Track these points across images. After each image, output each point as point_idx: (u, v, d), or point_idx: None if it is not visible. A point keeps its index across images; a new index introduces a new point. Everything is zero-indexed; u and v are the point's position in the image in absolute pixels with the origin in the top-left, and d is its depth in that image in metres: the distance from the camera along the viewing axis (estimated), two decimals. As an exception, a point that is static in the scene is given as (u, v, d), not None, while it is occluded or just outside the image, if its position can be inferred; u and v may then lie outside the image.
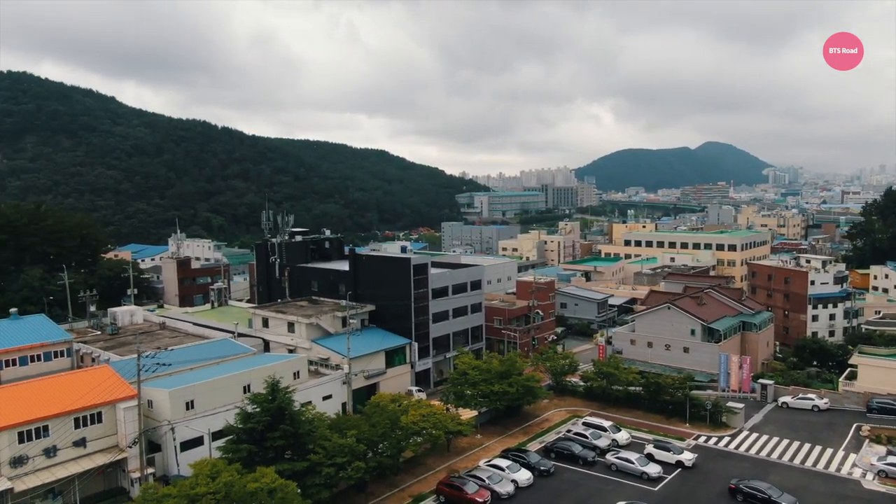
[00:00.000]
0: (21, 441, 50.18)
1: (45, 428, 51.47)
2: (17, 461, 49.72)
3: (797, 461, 61.23)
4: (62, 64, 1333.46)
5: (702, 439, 67.02)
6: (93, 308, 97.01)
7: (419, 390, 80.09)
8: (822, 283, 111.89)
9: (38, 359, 73.51)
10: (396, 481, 57.43)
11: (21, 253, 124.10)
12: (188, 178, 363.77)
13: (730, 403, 72.98)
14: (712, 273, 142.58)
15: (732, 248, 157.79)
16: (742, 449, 64.52)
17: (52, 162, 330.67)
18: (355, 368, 73.29)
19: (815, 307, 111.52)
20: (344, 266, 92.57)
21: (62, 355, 75.60)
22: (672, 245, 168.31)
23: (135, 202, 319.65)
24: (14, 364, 71.62)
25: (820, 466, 59.90)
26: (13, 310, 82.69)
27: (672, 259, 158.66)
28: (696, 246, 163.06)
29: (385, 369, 79.31)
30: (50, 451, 51.44)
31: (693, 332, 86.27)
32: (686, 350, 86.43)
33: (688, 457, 60.17)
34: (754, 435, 68.18)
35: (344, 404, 70.77)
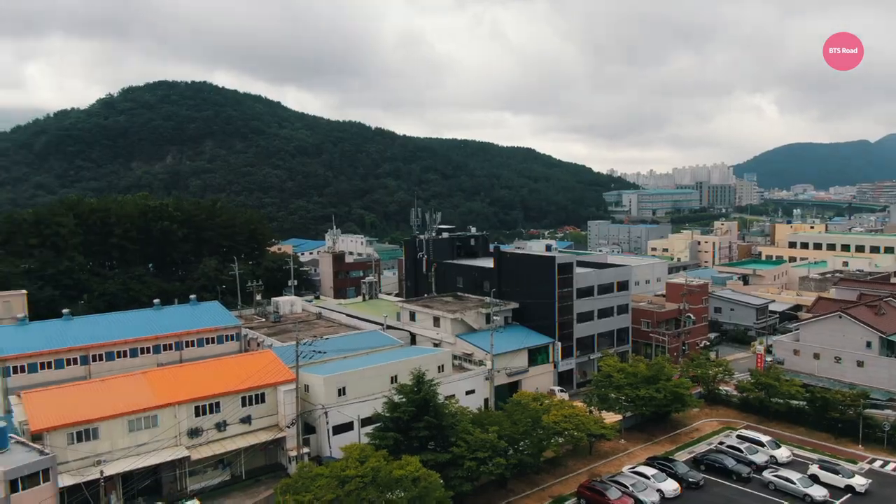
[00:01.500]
0: (197, 415, 55.86)
1: (217, 404, 56.90)
2: (194, 432, 55.38)
3: None
4: (232, 71, 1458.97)
5: (877, 464, 60.58)
6: (258, 297, 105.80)
7: (561, 390, 79.32)
8: None
9: (213, 341, 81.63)
10: (537, 480, 57.28)
11: (200, 245, 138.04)
12: (344, 176, 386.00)
13: (913, 426, 65.35)
14: (894, 280, 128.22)
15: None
16: (927, 478, 57.63)
17: (227, 163, 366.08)
18: (498, 365, 73.88)
19: None
20: (488, 263, 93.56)
21: (232, 339, 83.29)
22: (845, 248, 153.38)
23: (296, 199, 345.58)
24: (193, 345, 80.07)
25: None
26: (193, 296, 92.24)
27: (845, 263, 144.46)
28: (875, 249, 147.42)
29: (527, 367, 79.33)
30: (221, 426, 56.77)
31: (869, 344, 78.21)
32: (860, 364, 78.53)
33: (860, 482, 54.65)
34: (943, 463, 60.59)
35: (486, 400, 71.58)
